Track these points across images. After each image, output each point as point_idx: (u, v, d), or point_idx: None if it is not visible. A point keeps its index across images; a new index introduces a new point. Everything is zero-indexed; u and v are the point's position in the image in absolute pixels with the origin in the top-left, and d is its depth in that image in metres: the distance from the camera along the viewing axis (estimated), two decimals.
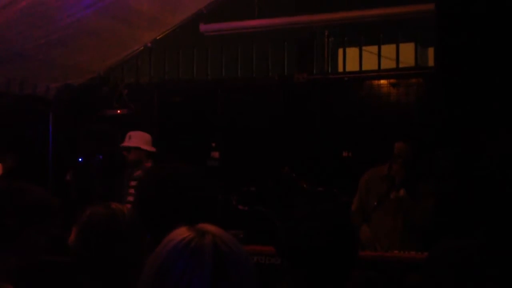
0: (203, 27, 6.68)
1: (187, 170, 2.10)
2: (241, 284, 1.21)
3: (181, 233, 1.25)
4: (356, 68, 6.50)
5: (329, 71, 6.65)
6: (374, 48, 6.47)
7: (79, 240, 1.82)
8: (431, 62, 6.47)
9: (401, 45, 6.36)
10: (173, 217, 1.92)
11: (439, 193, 3.98)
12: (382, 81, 6.33)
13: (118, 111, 6.74)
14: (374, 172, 4.69)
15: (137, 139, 5.16)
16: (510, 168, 1.67)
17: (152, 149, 5.20)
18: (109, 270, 1.80)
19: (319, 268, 1.91)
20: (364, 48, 6.51)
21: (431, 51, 6.56)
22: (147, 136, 5.24)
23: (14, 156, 5.67)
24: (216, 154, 6.55)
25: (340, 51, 6.73)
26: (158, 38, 6.80)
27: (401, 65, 6.37)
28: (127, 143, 5.15)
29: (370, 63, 6.46)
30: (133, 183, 4.97)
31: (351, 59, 6.60)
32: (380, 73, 6.35)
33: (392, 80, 6.26)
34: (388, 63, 6.42)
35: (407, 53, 6.42)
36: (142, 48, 6.87)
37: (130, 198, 4.81)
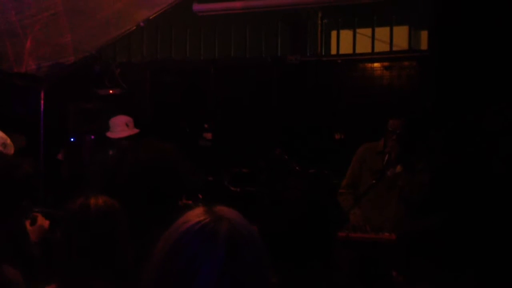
0: (196, 6, 6.63)
1: (159, 147, 2.09)
2: (252, 273, 1.19)
3: (197, 215, 1.22)
4: (350, 51, 6.48)
5: (323, 53, 6.63)
6: (368, 31, 6.45)
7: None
8: (424, 45, 6.46)
9: (395, 28, 6.34)
10: (149, 196, 1.92)
11: (433, 170, 4.03)
12: (376, 64, 6.32)
13: (110, 91, 6.70)
14: (369, 146, 4.75)
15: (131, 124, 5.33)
16: (499, 145, 1.69)
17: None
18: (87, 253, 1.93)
19: (288, 250, 1.91)
20: (357, 30, 6.49)
21: (424, 34, 6.54)
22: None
23: None
24: (208, 135, 6.53)
25: (334, 33, 6.70)
26: (151, 17, 6.74)
27: (394, 48, 6.35)
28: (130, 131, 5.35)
29: (363, 46, 6.44)
30: None
31: (344, 42, 6.58)
32: (373, 56, 6.35)
33: (385, 63, 6.26)
34: (381, 46, 6.40)
35: (401, 36, 6.40)
36: (135, 27, 6.81)
37: None
